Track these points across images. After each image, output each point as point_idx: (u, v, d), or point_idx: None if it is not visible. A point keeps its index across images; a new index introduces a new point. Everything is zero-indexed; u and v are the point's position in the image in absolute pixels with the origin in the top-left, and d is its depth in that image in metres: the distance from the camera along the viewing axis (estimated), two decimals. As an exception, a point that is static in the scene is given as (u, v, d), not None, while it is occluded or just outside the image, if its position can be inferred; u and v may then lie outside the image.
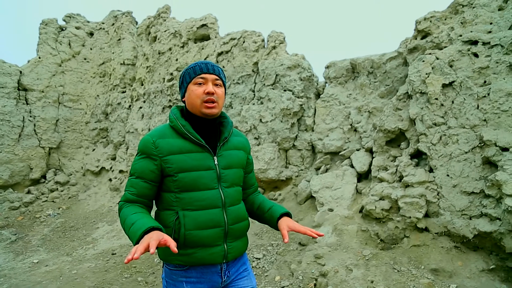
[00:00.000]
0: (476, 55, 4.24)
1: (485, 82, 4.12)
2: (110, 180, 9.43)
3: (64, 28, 10.85)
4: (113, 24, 10.89)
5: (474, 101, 4.11)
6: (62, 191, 9.55)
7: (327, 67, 6.04)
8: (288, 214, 1.91)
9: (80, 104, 10.75)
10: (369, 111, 5.33)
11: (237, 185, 1.87)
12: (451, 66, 4.37)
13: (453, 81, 4.29)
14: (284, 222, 1.82)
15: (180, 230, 1.67)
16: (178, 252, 1.59)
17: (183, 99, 1.86)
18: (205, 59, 7.56)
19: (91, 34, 11.17)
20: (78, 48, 10.80)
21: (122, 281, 5.09)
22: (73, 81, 10.61)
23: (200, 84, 1.75)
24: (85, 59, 10.88)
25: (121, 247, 6.48)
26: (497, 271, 3.68)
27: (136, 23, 10.78)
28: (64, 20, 10.93)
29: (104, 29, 11.06)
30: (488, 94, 4.02)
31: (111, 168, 9.67)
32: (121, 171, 9.26)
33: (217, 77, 1.78)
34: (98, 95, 10.79)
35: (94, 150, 10.48)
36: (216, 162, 1.76)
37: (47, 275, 5.51)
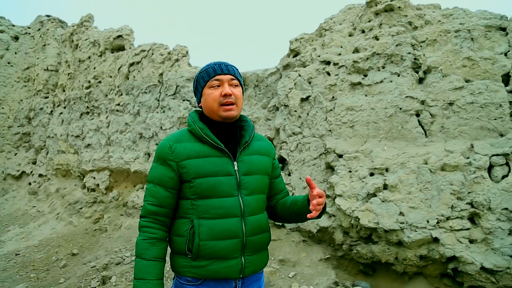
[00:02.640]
0: (328, 73, 4.90)
1: (333, 97, 4.78)
2: (30, 184, 9.50)
3: (-14, 31, 10.80)
4: (39, 29, 10.94)
5: (323, 114, 4.75)
6: (-21, 195, 9.51)
7: (223, 79, 6.57)
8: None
9: (3, 108, 10.70)
10: (253, 120, 5.90)
11: (259, 193, 1.73)
12: (309, 83, 5.00)
13: (309, 96, 4.92)
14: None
15: (194, 240, 1.56)
16: (191, 264, 1.57)
17: (199, 105, 1.77)
18: (118, 69, 7.89)
19: (16, 38, 11.15)
20: (1, 51, 10.76)
21: (16, 278, 5.32)
22: (-6, 85, 10.57)
23: (215, 86, 1.66)
24: (8, 63, 10.85)
25: (26, 248, 6.67)
26: (331, 260, 4.32)
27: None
28: (-14, 23, 10.88)
29: (30, 34, 11.08)
30: (334, 108, 4.68)
31: (31, 172, 9.74)
32: (40, 175, 9.37)
33: (232, 77, 1.68)
34: (21, 100, 10.79)
35: (16, 154, 10.47)
36: (236, 167, 1.65)
37: None
